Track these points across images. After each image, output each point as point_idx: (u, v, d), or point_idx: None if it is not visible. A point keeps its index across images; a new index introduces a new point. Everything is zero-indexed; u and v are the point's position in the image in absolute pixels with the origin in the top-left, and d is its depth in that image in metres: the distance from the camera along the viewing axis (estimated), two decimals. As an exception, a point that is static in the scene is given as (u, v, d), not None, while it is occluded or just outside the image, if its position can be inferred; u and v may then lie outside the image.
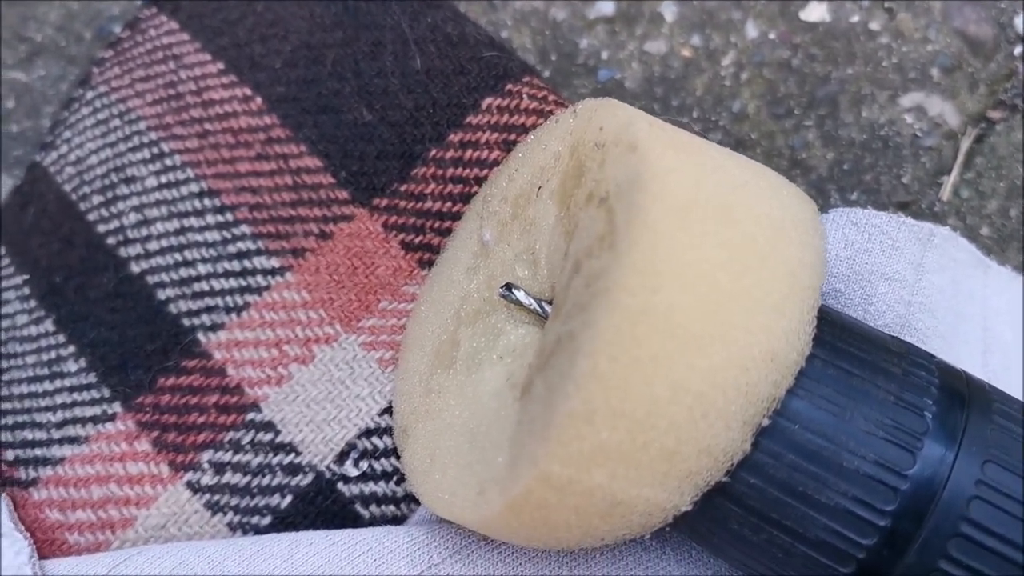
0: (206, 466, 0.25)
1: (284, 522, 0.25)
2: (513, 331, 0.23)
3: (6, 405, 0.27)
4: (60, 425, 0.26)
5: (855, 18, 0.34)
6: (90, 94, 0.30)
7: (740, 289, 0.19)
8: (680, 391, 0.18)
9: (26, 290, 0.28)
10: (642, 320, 0.18)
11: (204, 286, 0.27)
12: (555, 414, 0.18)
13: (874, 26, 0.34)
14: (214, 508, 0.25)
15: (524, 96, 0.28)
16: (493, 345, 0.23)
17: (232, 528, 0.25)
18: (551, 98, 0.28)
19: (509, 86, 0.28)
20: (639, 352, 0.18)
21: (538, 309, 0.22)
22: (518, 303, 0.22)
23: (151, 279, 0.27)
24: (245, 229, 0.27)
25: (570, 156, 0.23)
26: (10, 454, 0.26)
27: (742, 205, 0.20)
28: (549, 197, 0.23)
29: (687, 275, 0.18)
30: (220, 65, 0.29)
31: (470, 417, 0.22)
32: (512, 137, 0.27)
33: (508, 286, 0.23)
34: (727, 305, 0.18)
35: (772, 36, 0.34)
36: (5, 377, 0.27)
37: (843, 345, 0.20)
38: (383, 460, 0.25)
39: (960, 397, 0.20)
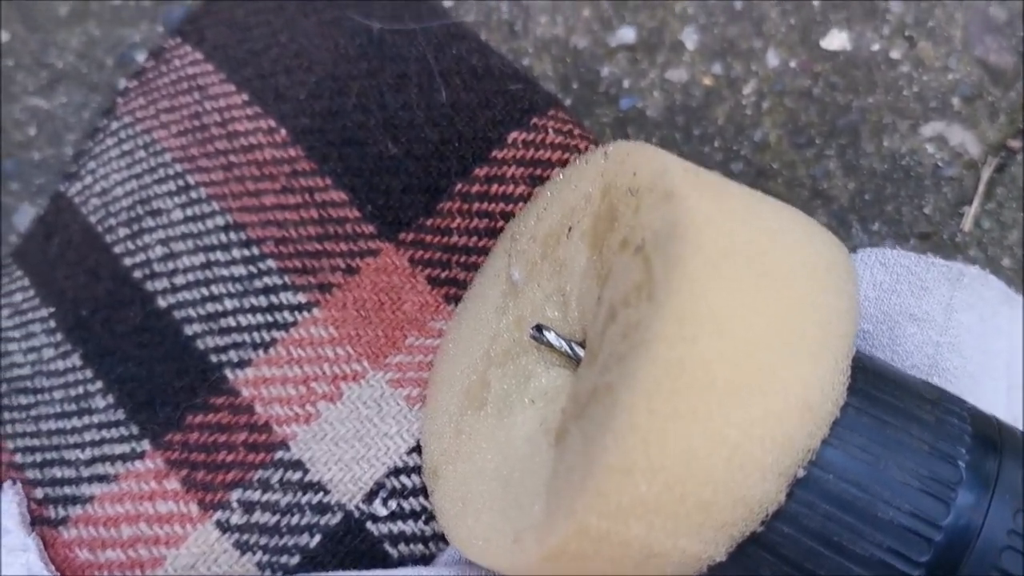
0: (235, 505, 0.25)
1: (313, 561, 0.25)
2: (544, 373, 0.23)
3: (34, 442, 0.27)
4: (89, 463, 0.26)
5: (876, 47, 0.34)
6: (115, 124, 0.30)
7: (777, 339, 0.19)
8: (718, 443, 0.18)
9: (52, 323, 0.28)
10: (681, 372, 0.18)
11: (231, 322, 0.27)
12: (593, 466, 0.18)
13: (895, 55, 0.34)
14: (243, 547, 0.25)
15: (550, 130, 0.28)
16: (524, 388, 0.23)
17: (261, 567, 0.25)
18: (576, 132, 0.28)
19: (534, 120, 0.28)
20: (678, 405, 0.18)
21: (569, 352, 0.22)
22: (549, 345, 0.22)
23: (178, 314, 0.27)
24: (271, 263, 0.27)
25: (601, 198, 0.23)
26: (39, 492, 0.26)
27: (777, 253, 0.20)
28: (580, 239, 0.23)
29: (725, 326, 0.18)
30: (245, 96, 0.29)
31: (503, 462, 0.22)
32: (538, 172, 0.27)
33: (539, 327, 0.23)
34: (765, 355, 0.18)
35: (793, 65, 0.34)
36: (33, 412, 0.27)
37: (877, 392, 0.20)
38: (412, 499, 0.25)
39: (992, 444, 0.20)
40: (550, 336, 0.22)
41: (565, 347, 0.22)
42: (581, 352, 0.22)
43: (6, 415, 0.28)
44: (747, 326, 0.19)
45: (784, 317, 0.19)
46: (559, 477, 0.20)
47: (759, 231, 0.20)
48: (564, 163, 0.27)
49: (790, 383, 0.19)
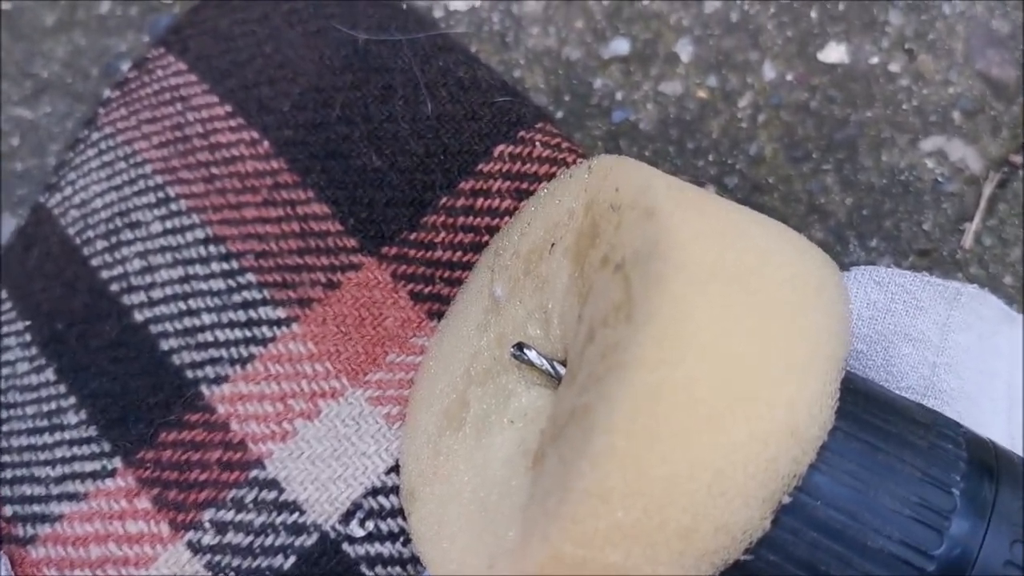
0: (207, 525, 0.25)
1: (287, 584, 0.24)
2: (524, 393, 0.22)
3: (5, 458, 0.26)
4: (59, 480, 0.25)
5: (874, 60, 0.33)
6: (96, 135, 0.30)
7: (762, 362, 0.18)
8: (699, 468, 0.17)
9: (27, 336, 0.28)
10: (661, 396, 0.17)
11: (208, 337, 0.26)
12: (569, 492, 0.17)
13: (894, 68, 0.33)
14: (215, 569, 0.24)
15: (537, 144, 0.27)
16: (504, 408, 0.22)
17: (233, 590, 0.24)
18: (564, 145, 0.27)
19: (522, 133, 0.27)
20: (657, 429, 0.17)
21: (551, 371, 0.22)
22: (530, 364, 0.22)
23: (154, 328, 0.27)
24: (251, 278, 0.27)
25: (584, 214, 0.22)
26: (8, 510, 0.26)
27: (765, 273, 0.19)
28: (563, 255, 0.22)
29: (708, 348, 0.18)
30: (228, 107, 0.29)
31: (480, 485, 0.21)
32: (524, 185, 0.27)
33: (520, 346, 0.22)
34: (749, 379, 0.18)
35: (790, 77, 0.33)
36: (4, 428, 0.27)
37: (867, 416, 0.20)
38: (389, 520, 0.24)
39: (988, 470, 0.20)
40: (531, 354, 0.22)
41: (546, 366, 0.22)
42: (563, 371, 0.21)
43: (-22, 431, 0.27)
44: (731, 348, 0.18)
45: (771, 340, 0.18)
46: (535, 502, 0.19)
47: (746, 249, 0.19)
48: (551, 177, 0.27)
49: (776, 407, 0.18)
